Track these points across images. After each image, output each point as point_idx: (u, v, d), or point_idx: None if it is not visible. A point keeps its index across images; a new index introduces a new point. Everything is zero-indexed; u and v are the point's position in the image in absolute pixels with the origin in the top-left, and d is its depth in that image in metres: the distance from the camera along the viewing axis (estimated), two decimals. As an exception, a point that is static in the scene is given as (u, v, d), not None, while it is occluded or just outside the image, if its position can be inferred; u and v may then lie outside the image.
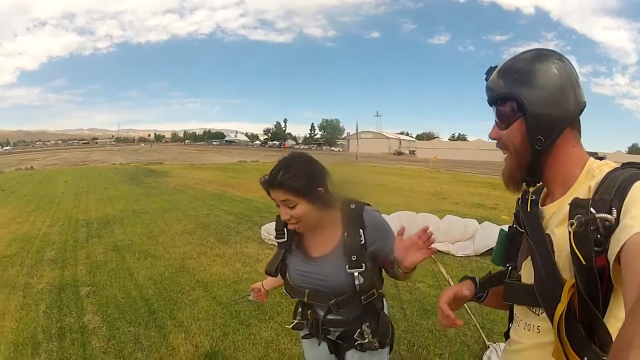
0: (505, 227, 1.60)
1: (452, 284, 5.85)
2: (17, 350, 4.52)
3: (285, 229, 2.10)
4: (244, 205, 13.96)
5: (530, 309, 1.36)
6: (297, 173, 1.88)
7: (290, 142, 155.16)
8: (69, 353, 4.40)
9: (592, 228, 1.09)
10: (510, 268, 1.49)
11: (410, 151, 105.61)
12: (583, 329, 1.15)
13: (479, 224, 8.42)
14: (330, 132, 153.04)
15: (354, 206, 2.04)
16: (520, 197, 1.48)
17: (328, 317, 2.11)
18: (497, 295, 1.56)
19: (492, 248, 7.72)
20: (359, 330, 2.08)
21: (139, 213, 12.76)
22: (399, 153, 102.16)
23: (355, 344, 2.08)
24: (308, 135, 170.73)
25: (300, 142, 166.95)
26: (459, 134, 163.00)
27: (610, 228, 1.07)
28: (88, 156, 67.52)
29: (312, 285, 2.07)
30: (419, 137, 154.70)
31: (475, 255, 7.52)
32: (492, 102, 1.41)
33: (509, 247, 1.53)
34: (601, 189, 1.16)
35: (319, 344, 2.22)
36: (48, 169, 40.80)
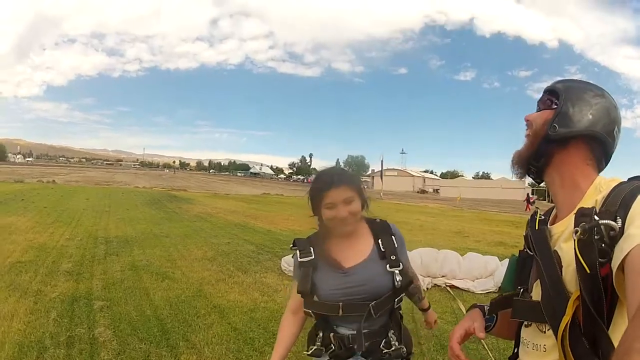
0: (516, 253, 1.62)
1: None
2: (21, 351, 4.54)
3: (311, 248, 2.16)
4: (266, 237, 13.86)
5: (537, 328, 1.35)
6: (350, 173, 2.15)
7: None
8: (75, 361, 4.38)
9: (596, 237, 1.11)
10: (522, 290, 1.47)
11: (434, 189, 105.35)
12: (587, 342, 1.13)
13: (500, 261, 8.28)
14: (355, 169, 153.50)
15: (379, 220, 2.24)
16: (529, 219, 1.51)
17: (352, 333, 2.11)
18: (506, 324, 1.59)
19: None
20: (384, 340, 2.12)
21: (160, 236, 12.77)
22: (423, 191, 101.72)
23: (383, 353, 2.11)
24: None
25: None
26: (483, 172, 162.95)
27: (615, 237, 1.08)
28: (111, 177, 69.00)
29: (348, 296, 2.08)
30: (443, 176, 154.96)
31: (495, 292, 7.34)
32: (544, 92, 1.49)
33: (520, 271, 1.53)
34: (607, 201, 1.18)
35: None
36: (70, 184, 41.75)
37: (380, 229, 2.19)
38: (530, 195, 47.01)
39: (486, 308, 1.66)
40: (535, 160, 1.44)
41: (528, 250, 1.46)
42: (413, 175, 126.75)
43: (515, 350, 1.50)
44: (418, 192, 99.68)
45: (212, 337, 5.14)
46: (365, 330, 2.09)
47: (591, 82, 1.45)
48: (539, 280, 1.34)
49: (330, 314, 2.13)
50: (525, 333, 1.42)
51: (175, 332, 5.29)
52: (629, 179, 1.25)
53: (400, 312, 2.26)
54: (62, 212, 17.52)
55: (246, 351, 4.82)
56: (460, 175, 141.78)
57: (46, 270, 7.99)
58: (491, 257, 8.65)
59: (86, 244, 11.03)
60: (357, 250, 2.14)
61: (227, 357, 4.66)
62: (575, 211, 1.23)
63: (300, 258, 2.16)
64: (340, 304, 2.07)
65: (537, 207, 1.56)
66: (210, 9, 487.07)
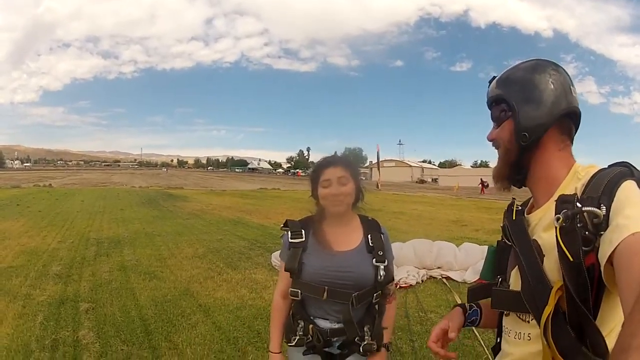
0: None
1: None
2: (9, 355, 4.53)
3: (302, 230, 2.24)
4: (258, 232, 13.81)
5: (519, 317, 1.33)
6: (350, 160, 2.28)
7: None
8: (59, 365, 4.35)
9: (579, 225, 1.09)
10: (500, 280, 1.44)
11: (432, 179, 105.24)
12: (573, 332, 1.11)
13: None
14: (353, 161, 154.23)
15: (371, 218, 2.34)
16: (506, 209, 1.51)
17: (332, 327, 2.19)
18: (491, 315, 1.56)
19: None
20: (359, 335, 2.17)
21: (152, 235, 12.69)
22: (422, 181, 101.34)
23: (357, 346, 2.16)
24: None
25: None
26: (482, 160, 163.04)
27: (599, 225, 1.06)
28: (109, 178, 69.32)
29: (334, 280, 2.14)
30: (442, 165, 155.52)
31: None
32: (489, 105, 1.47)
33: (499, 262, 1.50)
34: (588, 187, 1.16)
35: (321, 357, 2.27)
36: (67, 187, 41.71)
37: (371, 226, 2.29)
38: (483, 180, 47.89)
39: (467, 306, 1.66)
40: (517, 174, 1.41)
41: (506, 241, 1.44)
42: (411, 166, 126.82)
43: (498, 340, 1.49)
44: (417, 182, 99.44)
45: (195, 337, 5.03)
46: (341, 326, 2.18)
47: (527, 60, 1.41)
48: (516, 269, 1.33)
49: (315, 295, 2.16)
50: (506, 322, 1.41)
51: (159, 332, 5.19)
52: (609, 166, 1.21)
53: (377, 307, 2.25)
54: (55, 215, 17.45)
55: (228, 351, 4.69)
56: (459, 164, 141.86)
57: (36, 274, 7.94)
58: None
59: (77, 245, 10.96)
60: (348, 239, 2.23)
61: (208, 357, 4.55)
62: (555, 198, 1.20)
63: (291, 239, 2.23)
64: (326, 287, 2.13)
65: (513, 197, 1.52)
66: (205, 8, 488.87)
